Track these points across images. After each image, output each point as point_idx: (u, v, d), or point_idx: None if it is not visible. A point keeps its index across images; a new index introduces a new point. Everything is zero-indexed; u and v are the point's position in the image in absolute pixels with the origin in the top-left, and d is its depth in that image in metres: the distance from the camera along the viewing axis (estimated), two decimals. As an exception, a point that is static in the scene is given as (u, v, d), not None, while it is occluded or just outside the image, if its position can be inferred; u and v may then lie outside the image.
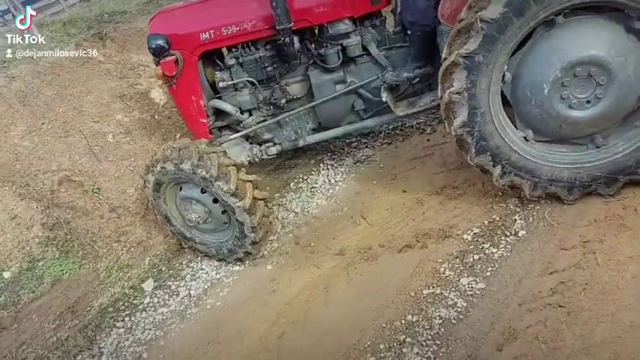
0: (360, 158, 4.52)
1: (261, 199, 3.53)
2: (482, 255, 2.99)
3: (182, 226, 3.81)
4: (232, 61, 3.79)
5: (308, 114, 4.00)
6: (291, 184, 4.46)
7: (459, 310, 2.71)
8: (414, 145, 4.44)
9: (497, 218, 3.20)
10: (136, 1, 8.45)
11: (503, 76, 2.88)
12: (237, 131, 4.04)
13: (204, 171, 3.29)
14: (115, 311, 3.60)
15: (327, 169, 4.52)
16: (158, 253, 4.08)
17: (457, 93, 2.84)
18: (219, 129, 4.14)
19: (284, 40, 3.47)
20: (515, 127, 3.06)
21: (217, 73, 3.87)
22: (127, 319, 3.52)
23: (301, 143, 4.07)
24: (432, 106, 3.53)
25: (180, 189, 3.63)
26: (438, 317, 2.70)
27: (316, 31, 3.76)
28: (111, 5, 8.47)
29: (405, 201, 3.73)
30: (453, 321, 2.66)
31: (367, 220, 3.70)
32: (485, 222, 3.21)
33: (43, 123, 4.78)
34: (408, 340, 2.64)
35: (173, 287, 3.71)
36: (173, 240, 4.07)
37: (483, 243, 3.07)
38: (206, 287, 3.64)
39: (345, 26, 3.60)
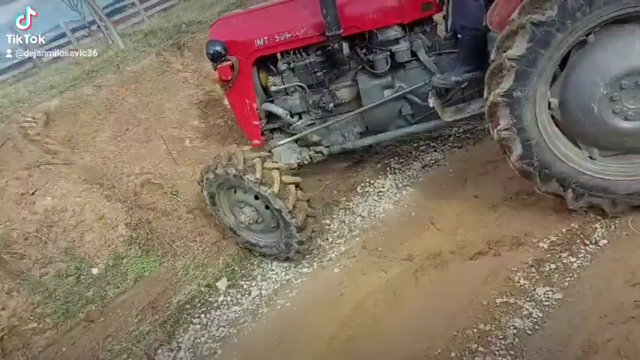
0: (428, 162, 4.47)
1: (291, 184, 3.52)
2: (559, 264, 2.88)
3: (246, 234, 3.95)
4: (284, 67, 3.94)
5: (356, 118, 4.06)
6: (358, 188, 4.48)
7: (535, 320, 2.62)
8: (486, 149, 4.31)
9: (576, 226, 3.07)
10: (211, 11, 8.80)
11: (550, 103, 2.83)
12: (288, 134, 4.15)
13: (233, 169, 3.45)
14: (192, 308, 3.77)
15: (395, 173, 4.50)
16: (231, 253, 4.22)
17: (505, 130, 2.84)
18: (271, 131, 4.30)
19: (333, 46, 3.55)
20: (579, 147, 2.95)
21: (270, 77, 4.03)
22: (202, 316, 3.69)
23: (349, 147, 4.17)
24: (480, 112, 3.40)
25: (235, 192, 3.76)
26: (512, 327, 2.63)
27: (366, 37, 3.78)
28: (187, 15, 8.88)
29: (477, 207, 3.65)
30: (529, 332, 2.58)
31: (436, 225, 3.66)
32: (563, 230, 3.09)
33: (127, 129, 5.11)
34: (481, 349, 2.59)
35: (245, 286, 3.84)
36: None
37: (561, 252, 2.95)
38: (276, 288, 3.74)
39: (394, 32, 3.64)
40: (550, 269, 2.86)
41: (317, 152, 4.17)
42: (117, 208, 4.51)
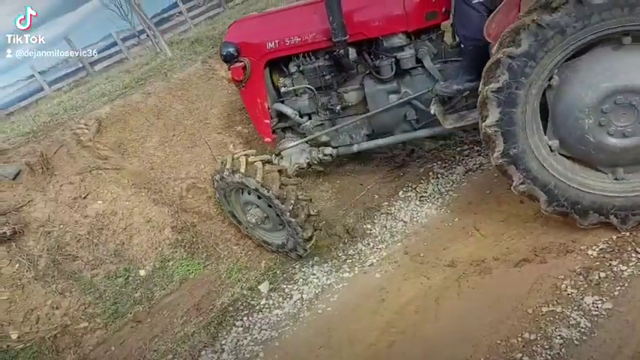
0: (472, 167, 4.41)
1: (292, 185, 3.69)
2: (609, 272, 2.77)
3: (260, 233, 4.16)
4: (294, 69, 4.11)
5: (363, 121, 4.16)
6: (400, 193, 4.46)
7: (583, 330, 2.54)
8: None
9: (627, 233, 2.95)
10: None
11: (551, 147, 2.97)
12: (299, 133, 4.36)
13: (237, 172, 3.68)
14: (235, 310, 3.84)
15: (437, 177, 4.46)
16: (273, 257, 4.27)
17: (521, 184, 2.98)
18: (283, 130, 4.48)
19: (339, 51, 3.67)
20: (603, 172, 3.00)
21: (281, 78, 4.23)
22: (245, 318, 3.75)
23: (355, 149, 4.27)
24: None
25: (242, 193, 4.00)
26: (558, 337, 2.55)
27: (372, 43, 3.85)
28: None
29: (522, 212, 3.55)
30: (576, 342, 2.50)
31: (480, 231, 3.60)
32: (613, 237, 2.97)
33: (174, 135, 5.25)
34: (525, 358, 2.52)
35: (287, 290, 3.88)
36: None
37: (611, 260, 2.84)
38: (317, 292, 3.76)
39: (399, 40, 3.72)
40: (599, 277, 2.76)
41: (326, 154, 4.31)
42: (163, 211, 4.64)
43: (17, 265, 4.03)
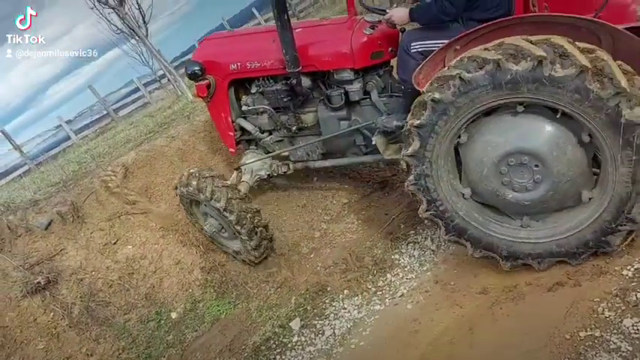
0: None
1: (238, 199, 4.15)
2: (647, 293, 2.70)
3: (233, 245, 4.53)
4: (255, 90, 4.42)
5: (318, 142, 4.41)
6: (425, 221, 4.40)
7: (624, 354, 2.45)
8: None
9: (663, 251, 2.88)
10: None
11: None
12: (260, 146, 4.75)
13: (190, 187, 4.13)
14: (267, 350, 3.83)
15: (464, 203, 4.42)
16: (302, 292, 4.26)
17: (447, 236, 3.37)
18: (247, 142, 4.83)
19: (292, 80, 3.94)
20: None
21: (243, 97, 4.55)
22: (278, 357, 3.73)
23: (311, 165, 4.63)
24: None
25: (199, 205, 4.43)
26: (599, 363, 2.48)
27: (325, 73, 4.12)
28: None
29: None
30: (618, 367, 2.42)
31: (510, 256, 3.54)
32: (649, 256, 2.91)
33: (198, 176, 5.34)
34: (567, 387, 2.45)
35: (318, 326, 3.86)
36: (315, 279, 4.27)
37: (648, 279, 2.78)
38: (349, 326, 3.73)
39: (347, 74, 3.96)
40: (637, 299, 2.68)
41: (284, 168, 4.68)
42: (192, 252, 4.71)
43: (52, 313, 4.11)
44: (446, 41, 3.07)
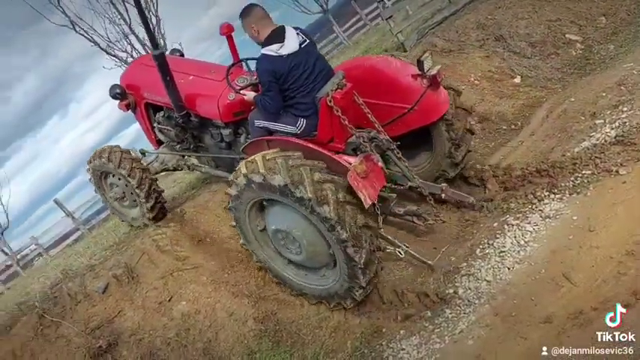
0: (548, 213, 4.21)
1: (142, 169, 5.45)
2: None
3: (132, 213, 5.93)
4: (163, 113, 5.66)
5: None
6: (477, 251, 4.29)
7: None
8: (608, 189, 4.03)
9: None
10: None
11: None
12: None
13: (102, 159, 5.42)
14: (330, 397, 3.75)
15: (513, 229, 4.27)
16: (357, 335, 4.19)
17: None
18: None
19: (178, 119, 5.31)
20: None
21: (156, 114, 5.78)
22: (340, 405, 3.64)
23: (203, 170, 5.84)
24: None
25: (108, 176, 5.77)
26: (685, 389, 2.32)
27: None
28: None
29: (612, 254, 3.36)
30: None
31: (571, 280, 3.41)
32: None
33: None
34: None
35: (378, 370, 3.77)
36: (368, 321, 4.19)
37: None
38: (410, 368, 3.63)
39: (219, 122, 5.12)
40: None
41: (185, 167, 5.91)
42: (244, 303, 4.72)
43: (115, 376, 4.17)
44: (278, 124, 4.23)
